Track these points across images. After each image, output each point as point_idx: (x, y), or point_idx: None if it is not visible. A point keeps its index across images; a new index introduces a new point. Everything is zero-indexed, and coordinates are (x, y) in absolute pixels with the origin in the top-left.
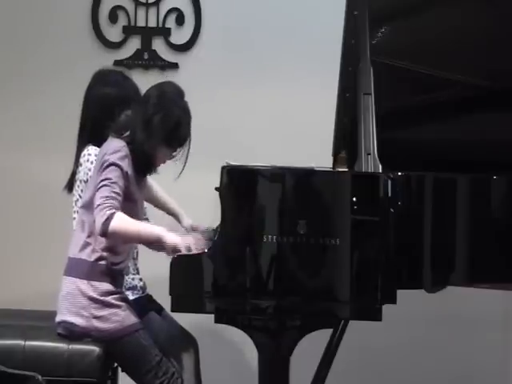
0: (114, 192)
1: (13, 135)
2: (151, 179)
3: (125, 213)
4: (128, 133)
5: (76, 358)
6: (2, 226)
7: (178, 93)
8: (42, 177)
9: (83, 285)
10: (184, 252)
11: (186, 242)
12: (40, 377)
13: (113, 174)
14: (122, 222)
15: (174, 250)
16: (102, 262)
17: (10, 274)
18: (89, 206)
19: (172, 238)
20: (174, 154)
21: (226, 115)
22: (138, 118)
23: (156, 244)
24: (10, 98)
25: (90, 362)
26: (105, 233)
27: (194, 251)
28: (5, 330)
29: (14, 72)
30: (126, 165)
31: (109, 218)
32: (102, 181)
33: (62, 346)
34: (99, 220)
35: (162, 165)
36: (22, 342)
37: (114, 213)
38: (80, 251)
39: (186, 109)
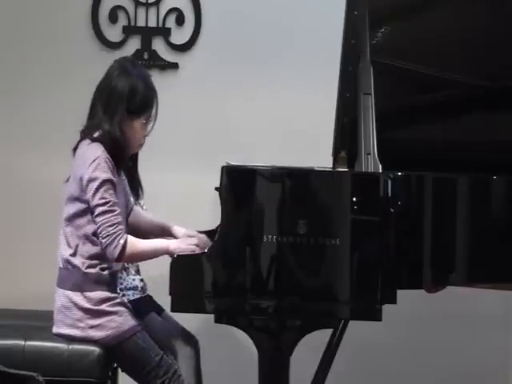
0: (117, 214)
1: (12, 135)
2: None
3: None
4: (99, 131)
5: (76, 358)
6: (2, 226)
7: (124, 65)
8: (43, 177)
9: (76, 297)
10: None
11: (189, 246)
12: (40, 377)
13: (108, 192)
14: (135, 245)
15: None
16: (92, 270)
17: (10, 274)
18: (71, 220)
19: (176, 245)
20: (148, 122)
21: (226, 115)
22: (98, 110)
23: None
24: (9, 97)
25: (90, 362)
26: (120, 259)
27: (197, 251)
28: (5, 330)
29: (14, 72)
30: (111, 170)
31: (124, 248)
32: (100, 205)
33: (62, 346)
34: (114, 251)
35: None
36: (21, 342)
37: (126, 240)
38: (68, 263)
39: (134, 73)
